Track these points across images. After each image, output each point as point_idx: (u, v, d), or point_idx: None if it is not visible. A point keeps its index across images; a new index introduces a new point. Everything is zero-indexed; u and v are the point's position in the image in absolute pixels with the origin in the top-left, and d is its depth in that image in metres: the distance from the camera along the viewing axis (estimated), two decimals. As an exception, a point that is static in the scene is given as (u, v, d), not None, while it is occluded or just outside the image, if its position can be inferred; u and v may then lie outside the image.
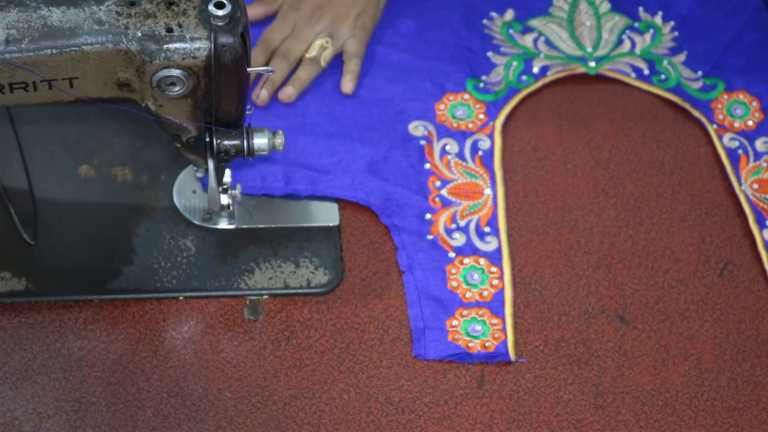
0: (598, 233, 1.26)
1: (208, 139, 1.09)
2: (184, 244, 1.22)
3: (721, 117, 1.33)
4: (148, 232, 1.22)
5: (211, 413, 1.13)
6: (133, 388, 1.13)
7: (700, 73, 1.37)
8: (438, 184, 1.26)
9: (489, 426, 1.14)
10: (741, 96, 1.35)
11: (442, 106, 1.32)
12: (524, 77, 1.35)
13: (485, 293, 1.20)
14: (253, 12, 1.33)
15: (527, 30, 1.38)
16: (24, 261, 1.19)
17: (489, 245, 1.23)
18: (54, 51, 1.00)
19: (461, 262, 1.22)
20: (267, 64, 1.30)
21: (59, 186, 1.24)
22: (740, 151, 1.31)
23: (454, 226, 1.24)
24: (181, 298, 1.19)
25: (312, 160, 1.26)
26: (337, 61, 1.34)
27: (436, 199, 1.25)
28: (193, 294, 1.19)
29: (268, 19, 1.35)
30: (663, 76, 1.36)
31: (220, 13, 1.01)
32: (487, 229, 1.24)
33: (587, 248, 1.25)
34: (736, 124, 1.33)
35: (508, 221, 1.26)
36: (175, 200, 1.24)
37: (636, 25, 1.40)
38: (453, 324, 1.18)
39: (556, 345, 1.19)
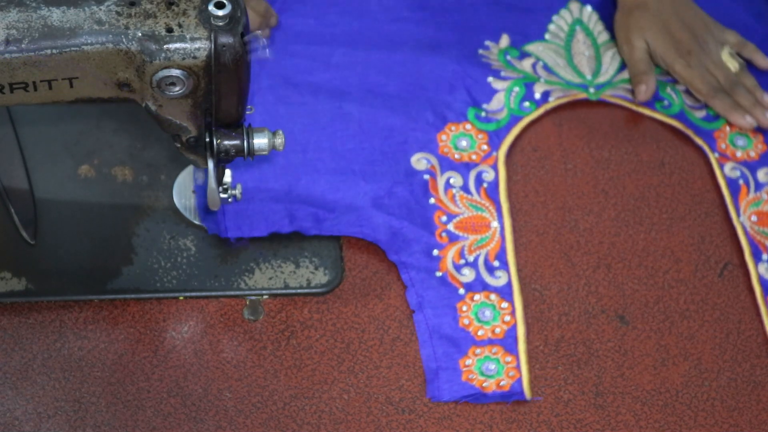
0: (598, 233, 1.26)
1: (208, 139, 1.09)
2: (184, 244, 1.22)
3: (723, 146, 1.32)
4: (148, 232, 1.22)
5: (211, 413, 1.13)
6: (133, 388, 1.13)
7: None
8: (444, 218, 1.24)
9: (489, 426, 1.14)
10: None
11: (444, 137, 1.29)
12: (526, 104, 1.33)
13: (497, 330, 1.18)
14: (649, 92, 1.34)
15: (524, 55, 1.36)
16: (24, 261, 1.19)
17: (499, 280, 1.21)
18: (54, 51, 1.00)
19: (472, 299, 1.20)
20: (735, 96, 1.34)
21: (59, 186, 1.24)
22: (741, 181, 1.29)
23: (462, 261, 1.22)
24: (181, 298, 1.19)
25: (315, 197, 1.24)
26: (330, 93, 1.31)
27: (443, 234, 1.23)
28: (193, 294, 1.19)
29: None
30: (666, 102, 1.34)
31: (220, 13, 1.00)
32: (496, 264, 1.22)
33: (587, 248, 1.25)
34: (739, 154, 1.31)
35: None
36: (175, 200, 1.24)
37: None
38: (467, 363, 1.16)
39: (556, 345, 1.19)
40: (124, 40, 1.00)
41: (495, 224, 1.24)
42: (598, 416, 1.15)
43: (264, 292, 1.20)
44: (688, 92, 1.35)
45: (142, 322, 1.17)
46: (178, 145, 1.11)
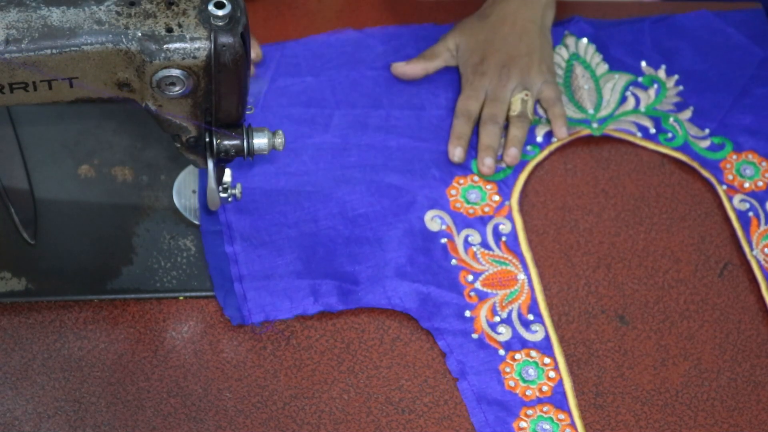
0: (598, 233, 1.26)
1: (208, 139, 1.09)
2: (184, 244, 1.22)
3: (730, 177, 1.29)
4: (148, 232, 1.22)
5: (211, 413, 1.13)
6: (133, 388, 1.13)
7: (707, 131, 1.32)
8: (470, 278, 1.21)
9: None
10: (750, 156, 1.31)
11: (453, 192, 1.26)
12: (529, 147, 1.30)
13: (545, 388, 1.15)
14: (413, 68, 1.32)
15: None
16: (24, 261, 1.19)
17: (536, 335, 1.18)
18: (54, 51, 1.00)
19: (513, 359, 1.17)
20: (472, 132, 1.28)
21: (59, 186, 1.24)
22: (751, 214, 1.27)
23: (496, 318, 1.19)
24: (181, 298, 1.19)
25: (335, 269, 1.20)
26: (331, 154, 1.28)
27: (471, 293, 1.20)
28: (193, 294, 1.19)
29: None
30: (670, 134, 1.32)
31: (220, 13, 1.00)
32: (530, 317, 1.19)
33: (587, 248, 1.25)
34: (746, 185, 1.29)
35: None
36: (175, 200, 1.24)
37: (639, 80, 1.35)
38: (521, 426, 1.13)
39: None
40: (124, 40, 1.00)
41: (522, 276, 1.21)
42: (598, 416, 1.15)
43: (264, 292, 1.20)
44: (690, 122, 1.33)
45: (142, 322, 1.17)
46: (178, 145, 1.11)
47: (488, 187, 1.27)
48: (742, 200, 1.28)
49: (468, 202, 1.26)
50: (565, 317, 1.21)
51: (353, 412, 1.14)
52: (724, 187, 1.29)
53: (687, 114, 1.34)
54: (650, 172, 1.31)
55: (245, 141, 1.10)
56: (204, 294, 1.19)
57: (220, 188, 1.16)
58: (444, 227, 1.24)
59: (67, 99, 1.04)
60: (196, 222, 1.23)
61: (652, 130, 1.32)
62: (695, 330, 1.21)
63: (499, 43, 1.31)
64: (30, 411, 1.12)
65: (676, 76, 1.36)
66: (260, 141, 1.10)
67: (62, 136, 1.27)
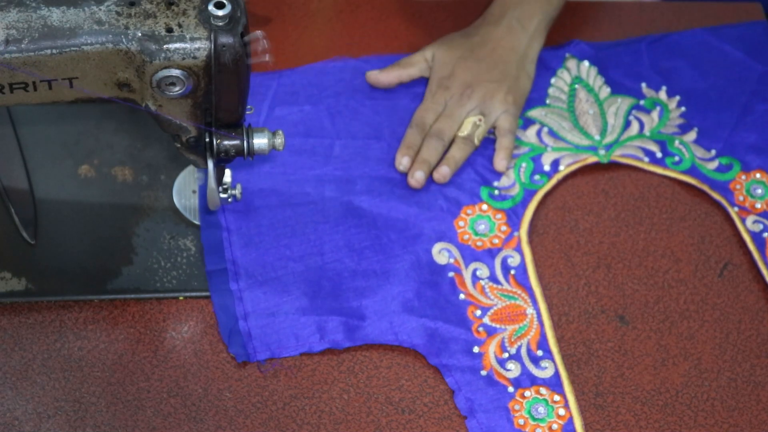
0: (598, 233, 1.26)
1: (208, 139, 1.09)
2: (184, 244, 1.22)
3: (741, 198, 1.28)
4: (148, 232, 1.22)
5: (211, 413, 1.13)
6: (133, 388, 1.14)
7: (713, 152, 1.31)
8: (478, 313, 1.19)
9: (489, 426, 1.14)
10: (758, 175, 1.30)
11: (461, 223, 1.25)
12: (537, 176, 1.29)
13: (554, 426, 1.14)
14: (387, 76, 1.32)
15: (528, 123, 1.32)
16: (24, 261, 1.19)
17: (546, 371, 1.16)
18: (54, 51, 1.00)
19: (522, 396, 1.15)
20: (422, 144, 1.27)
21: (59, 186, 1.24)
22: (765, 235, 1.26)
23: (505, 354, 1.17)
24: (181, 298, 1.19)
25: (341, 305, 1.19)
26: (336, 185, 1.27)
27: (480, 329, 1.18)
28: (193, 294, 1.19)
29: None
30: (677, 158, 1.31)
31: (220, 13, 1.00)
32: (539, 353, 1.17)
33: (587, 248, 1.25)
34: (758, 205, 1.28)
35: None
36: (175, 200, 1.24)
37: (641, 103, 1.34)
38: None
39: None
40: (124, 40, 1.01)
41: (531, 311, 1.20)
42: (598, 416, 1.15)
43: (264, 292, 1.20)
44: (696, 143, 1.32)
45: (142, 322, 1.17)
46: (178, 145, 1.11)
47: (497, 216, 1.25)
48: (756, 221, 1.27)
49: (476, 234, 1.24)
50: (565, 317, 1.21)
51: (353, 412, 1.14)
52: (736, 209, 1.28)
53: (692, 135, 1.32)
54: (650, 172, 1.31)
55: (245, 141, 1.10)
56: (204, 294, 1.19)
57: (220, 188, 1.16)
58: (452, 260, 1.23)
59: (67, 99, 1.04)
60: (196, 222, 1.23)
61: (659, 155, 1.31)
62: (695, 330, 1.21)
63: (472, 62, 1.30)
64: (30, 411, 1.12)
65: (677, 98, 1.35)
66: (260, 141, 1.10)
67: (62, 136, 1.27)
